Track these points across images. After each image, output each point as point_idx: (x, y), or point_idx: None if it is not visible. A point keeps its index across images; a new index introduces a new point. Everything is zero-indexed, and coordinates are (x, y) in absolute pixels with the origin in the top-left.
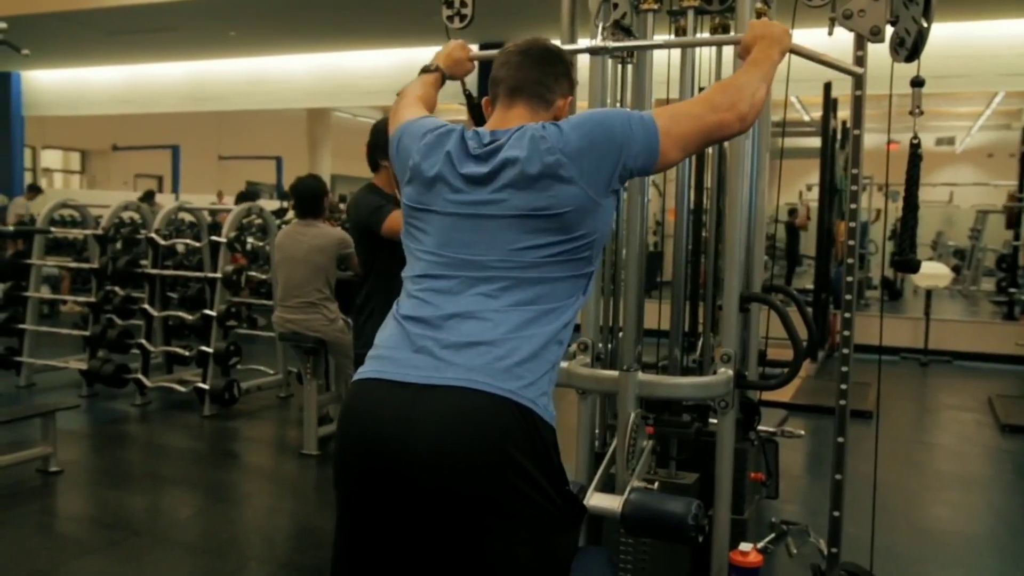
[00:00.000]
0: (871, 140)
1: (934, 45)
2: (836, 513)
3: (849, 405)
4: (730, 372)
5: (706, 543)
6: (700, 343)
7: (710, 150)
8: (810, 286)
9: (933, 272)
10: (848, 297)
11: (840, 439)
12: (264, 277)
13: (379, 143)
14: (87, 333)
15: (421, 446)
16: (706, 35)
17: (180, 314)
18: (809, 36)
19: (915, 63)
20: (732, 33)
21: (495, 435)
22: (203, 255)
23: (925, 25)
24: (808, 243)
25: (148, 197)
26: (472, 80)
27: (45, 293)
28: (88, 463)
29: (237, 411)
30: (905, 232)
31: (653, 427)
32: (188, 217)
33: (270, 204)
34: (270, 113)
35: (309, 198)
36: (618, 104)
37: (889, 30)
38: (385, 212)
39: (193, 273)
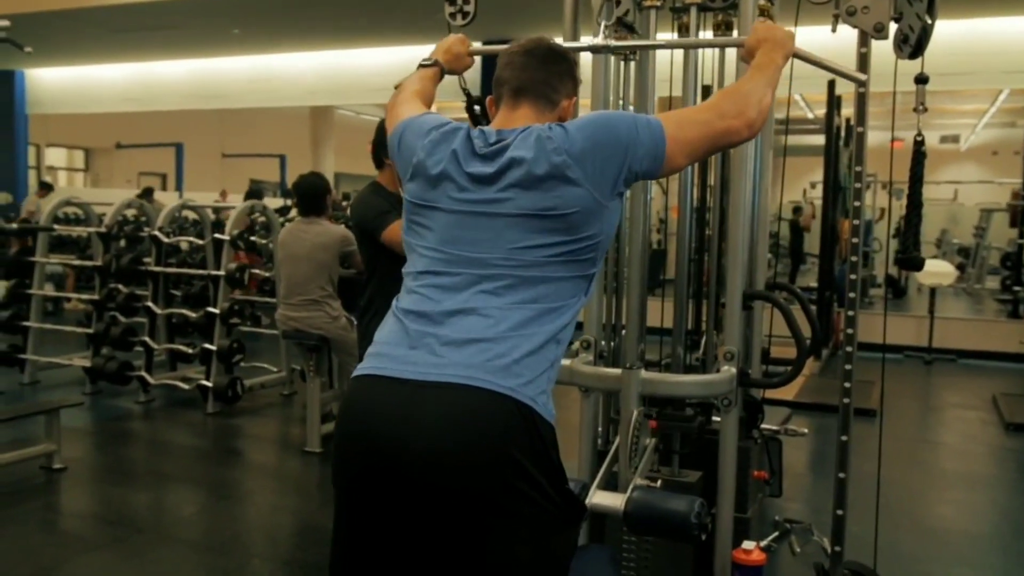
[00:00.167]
0: (875, 138)
1: (938, 42)
2: (840, 512)
3: (853, 403)
4: (733, 370)
5: (709, 541)
6: (703, 341)
7: None
8: (814, 284)
9: (937, 270)
10: (852, 295)
11: (844, 437)
12: (268, 275)
13: (384, 140)
14: (91, 330)
15: (420, 444)
16: (709, 33)
17: (183, 311)
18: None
19: (919, 60)
20: (735, 32)
21: (494, 433)
22: (206, 253)
23: (929, 22)
24: (812, 241)
25: (147, 194)
26: (474, 77)
27: (49, 291)
28: (92, 460)
29: (240, 409)
30: (909, 230)
31: (656, 421)
32: (191, 215)
33: (273, 202)
34: (274, 111)
35: (312, 196)
36: (620, 102)
37: (893, 27)
38: (388, 220)
39: (196, 271)
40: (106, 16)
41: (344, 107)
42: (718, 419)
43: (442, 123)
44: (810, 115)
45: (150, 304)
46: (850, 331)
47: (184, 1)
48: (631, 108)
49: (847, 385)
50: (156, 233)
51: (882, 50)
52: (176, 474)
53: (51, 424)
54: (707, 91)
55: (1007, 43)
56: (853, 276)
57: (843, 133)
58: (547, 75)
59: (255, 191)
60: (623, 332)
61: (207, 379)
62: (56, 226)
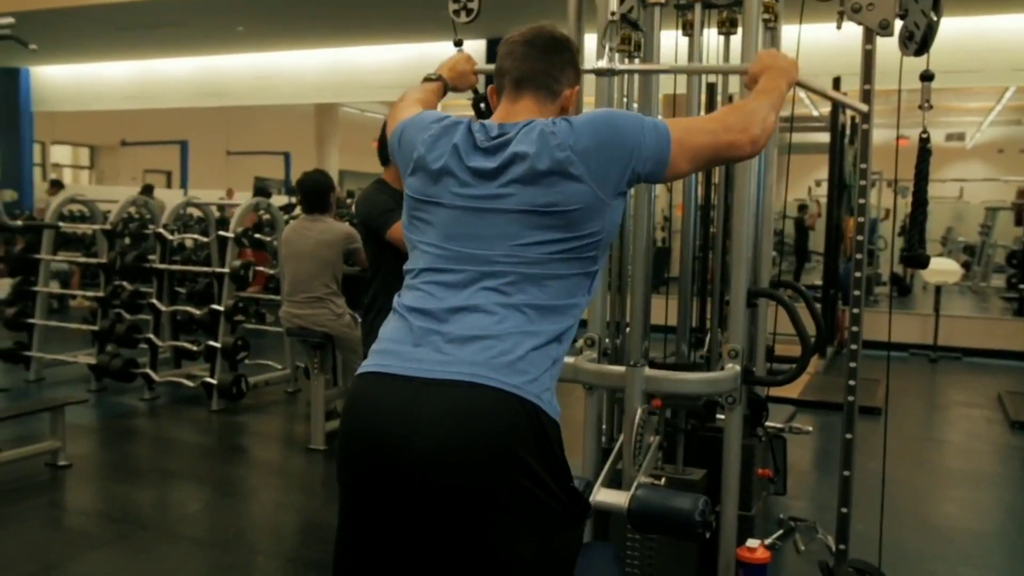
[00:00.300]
0: (880, 135)
1: (944, 39)
2: (844, 510)
3: (857, 401)
4: (738, 368)
5: (713, 539)
6: (707, 339)
7: None
8: (819, 282)
9: (943, 268)
10: (856, 293)
11: (848, 435)
12: (274, 272)
13: None
14: (96, 328)
15: (424, 441)
16: (714, 31)
17: (188, 309)
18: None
19: (924, 57)
20: (739, 29)
21: (499, 431)
22: (211, 250)
23: (935, 19)
24: (817, 239)
25: (147, 191)
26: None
27: (54, 288)
28: (96, 457)
29: (245, 406)
30: (914, 227)
31: (661, 401)
32: (196, 212)
33: (278, 200)
34: (278, 108)
35: (316, 193)
36: (625, 99)
37: (898, 24)
38: (393, 217)
39: (201, 268)
40: (110, 13)
41: (349, 104)
42: (722, 417)
43: (442, 118)
44: (815, 112)
45: (155, 301)
46: (855, 329)
47: None
48: (635, 105)
49: (852, 383)
50: (161, 231)
51: (887, 47)
52: (180, 471)
53: (56, 421)
54: (711, 89)
55: (1013, 40)
56: (858, 274)
57: (848, 131)
58: (548, 65)
59: (262, 189)
60: (627, 329)
61: (211, 376)
62: (61, 223)
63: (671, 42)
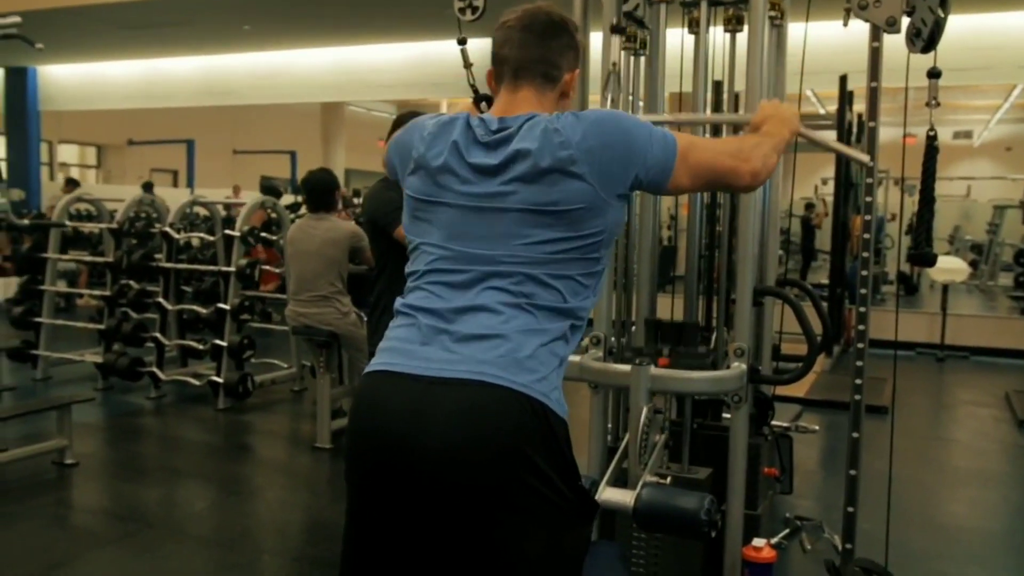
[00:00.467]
0: (887, 133)
1: (951, 37)
2: (851, 509)
3: (864, 400)
4: (744, 367)
5: (719, 538)
6: (714, 337)
7: None
8: (825, 281)
9: (950, 266)
10: (863, 291)
11: (855, 434)
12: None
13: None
14: (102, 327)
15: (432, 439)
16: (720, 28)
17: (194, 308)
18: (824, 28)
19: (931, 54)
20: (745, 26)
21: (507, 429)
22: (217, 249)
23: (942, 15)
24: (824, 238)
25: (147, 188)
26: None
27: (61, 287)
28: (103, 456)
29: (251, 405)
30: (921, 226)
31: (667, 359)
32: (202, 211)
33: (286, 199)
34: (284, 107)
35: (321, 192)
36: (631, 97)
37: (905, 21)
38: (401, 215)
39: (207, 267)
40: (117, 13)
41: (355, 103)
42: (728, 416)
43: (439, 116)
44: (822, 111)
45: (161, 300)
46: (861, 327)
47: None
48: (640, 104)
49: (858, 382)
50: (167, 229)
51: (894, 44)
52: (187, 470)
53: (63, 420)
54: (718, 87)
55: (1021, 37)
56: (865, 272)
57: (855, 129)
58: (547, 51)
59: (272, 188)
60: (633, 328)
61: (218, 375)
62: (68, 222)
63: (677, 40)
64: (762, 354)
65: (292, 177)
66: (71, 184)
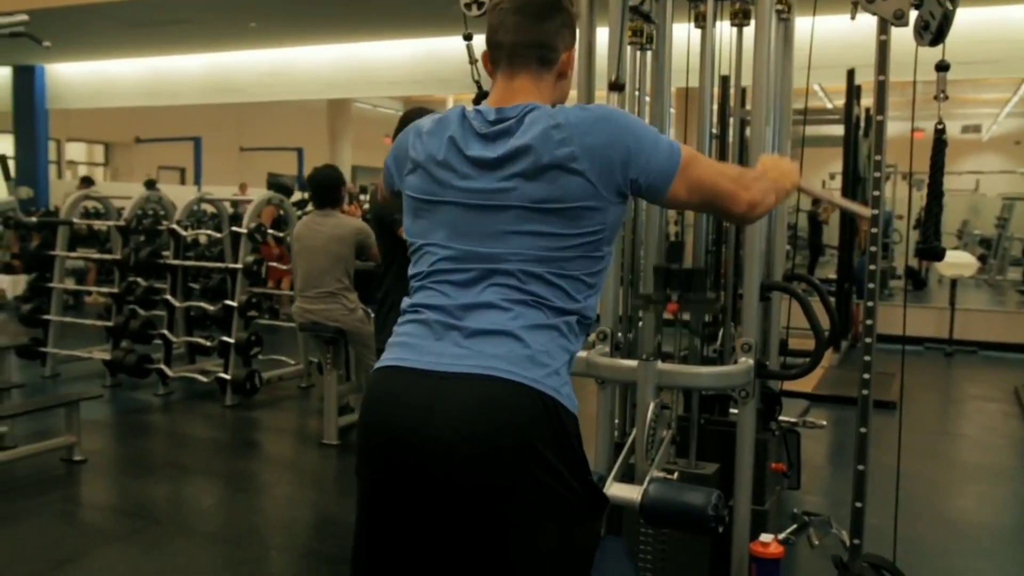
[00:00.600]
0: (895, 128)
1: (960, 30)
2: (858, 504)
3: (872, 395)
4: (751, 362)
5: (726, 534)
6: (720, 332)
7: (731, 138)
8: (833, 276)
9: (958, 261)
10: (871, 286)
11: (863, 429)
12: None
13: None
14: (110, 324)
15: (442, 433)
16: (726, 23)
17: (202, 305)
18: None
19: (940, 48)
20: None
21: (517, 424)
22: (224, 246)
23: (950, 8)
24: (831, 232)
25: (150, 186)
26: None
27: (69, 285)
28: (111, 452)
29: (258, 401)
30: (930, 220)
31: (677, 304)
32: (210, 208)
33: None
34: (291, 104)
35: (326, 188)
36: (637, 92)
37: (913, 14)
38: None
39: (214, 264)
40: (124, 10)
41: (361, 100)
42: (735, 411)
43: (435, 115)
44: (829, 105)
45: (169, 297)
46: (869, 322)
47: None
48: (647, 99)
49: (866, 377)
50: (174, 227)
51: (902, 37)
52: (194, 466)
53: (71, 416)
54: (725, 81)
55: None
56: (872, 267)
57: (862, 123)
58: (543, 34)
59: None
60: (639, 324)
61: (225, 372)
62: (75, 220)
63: (683, 34)
64: (769, 349)
65: (299, 174)
66: (86, 183)
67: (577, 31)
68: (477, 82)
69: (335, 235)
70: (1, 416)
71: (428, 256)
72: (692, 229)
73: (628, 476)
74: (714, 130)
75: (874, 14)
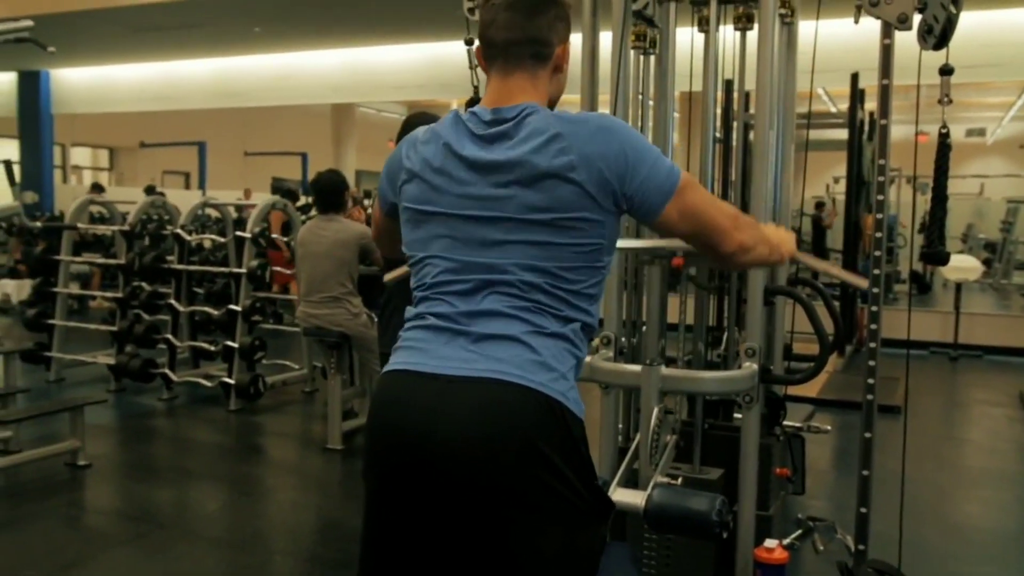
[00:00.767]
0: (899, 131)
1: (963, 33)
2: (863, 509)
3: (877, 400)
4: (755, 366)
5: (731, 539)
6: (724, 337)
7: (735, 141)
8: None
9: (963, 265)
10: (875, 290)
11: (867, 434)
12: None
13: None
14: (115, 328)
15: (450, 437)
16: (730, 27)
17: (206, 309)
18: (835, 26)
19: (944, 51)
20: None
21: (525, 427)
22: (228, 250)
23: (954, 12)
24: (836, 236)
25: (150, 192)
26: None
27: (74, 289)
28: (116, 457)
29: (262, 406)
30: (934, 224)
31: (681, 259)
32: (214, 213)
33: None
34: (295, 109)
35: (330, 193)
36: (640, 96)
37: (917, 17)
38: None
39: (218, 268)
40: (128, 16)
41: (365, 104)
42: (740, 416)
43: (426, 127)
44: (833, 109)
45: (173, 302)
46: (874, 327)
47: (205, 0)
48: (651, 103)
49: (871, 381)
50: (179, 231)
51: (906, 41)
52: (199, 471)
53: (76, 421)
54: (728, 85)
55: None
56: (877, 271)
57: (866, 127)
58: (536, 30)
59: (290, 191)
60: (643, 328)
61: (229, 376)
62: (79, 225)
63: (687, 38)
64: (774, 354)
65: (303, 178)
66: (97, 190)
67: (572, 25)
68: (476, 87)
69: (338, 240)
70: (6, 421)
71: (429, 268)
72: None
73: (632, 481)
74: (717, 134)
75: (878, 18)
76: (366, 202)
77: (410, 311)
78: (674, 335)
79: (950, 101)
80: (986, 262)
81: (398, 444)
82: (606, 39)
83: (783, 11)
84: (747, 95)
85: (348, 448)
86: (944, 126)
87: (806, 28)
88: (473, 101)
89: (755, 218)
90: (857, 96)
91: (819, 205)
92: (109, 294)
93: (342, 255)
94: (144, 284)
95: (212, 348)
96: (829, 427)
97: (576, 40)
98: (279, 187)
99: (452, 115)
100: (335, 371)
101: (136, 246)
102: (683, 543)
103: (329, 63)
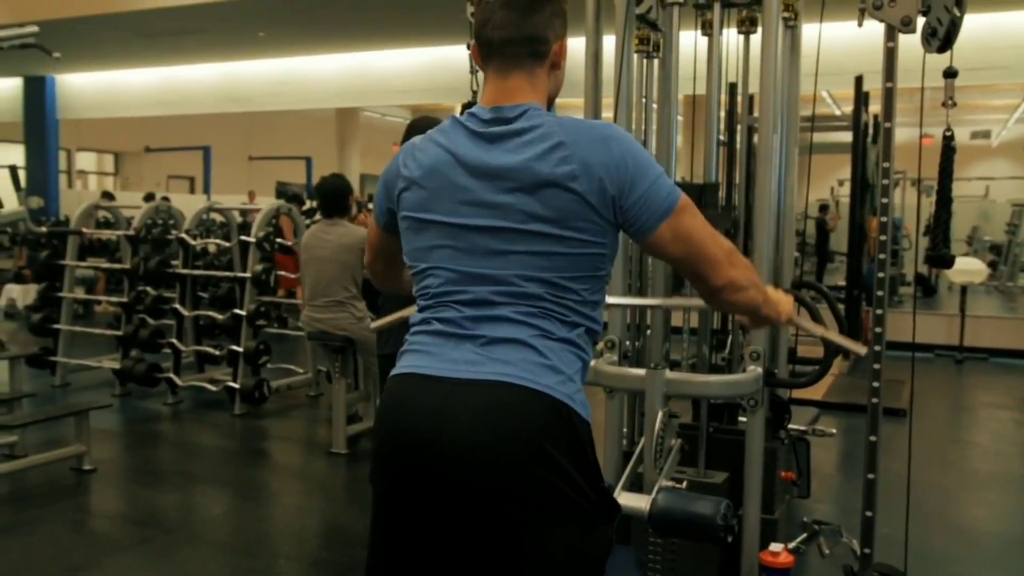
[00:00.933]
0: (903, 134)
1: (967, 36)
2: (869, 513)
3: (882, 403)
4: (759, 370)
5: (736, 544)
6: (729, 340)
7: (739, 144)
8: (842, 282)
9: (968, 268)
10: (880, 293)
11: (873, 438)
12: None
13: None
14: (120, 333)
15: (456, 439)
16: (733, 31)
17: (211, 314)
18: (838, 29)
19: (948, 54)
20: (759, 28)
21: (531, 429)
22: (233, 255)
23: (958, 15)
24: (840, 239)
25: (149, 199)
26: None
27: (79, 294)
28: (121, 461)
29: (267, 410)
30: (938, 227)
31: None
32: (219, 217)
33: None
34: (299, 113)
35: (334, 197)
36: (644, 100)
37: (921, 20)
38: None
39: (223, 273)
40: (133, 21)
41: (369, 109)
42: (744, 419)
43: (423, 135)
44: (837, 111)
45: (178, 306)
46: (879, 330)
47: (210, 5)
48: (654, 106)
49: (876, 385)
50: (183, 236)
51: (910, 44)
52: (203, 475)
53: (81, 426)
54: (732, 89)
55: None
56: (882, 274)
57: (871, 130)
58: (533, 28)
59: (296, 195)
60: (647, 332)
61: (234, 381)
62: (84, 230)
63: (690, 42)
64: (778, 357)
65: (308, 182)
66: (108, 198)
67: (575, 28)
68: (475, 92)
69: (342, 244)
70: (11, 426)
71: (431, 279)
72: None
73: (636, 485)
74: (722, 137)
75: (881, 21)
76: (371, 206)
77: (415, 316)
78: (678, 338)
79: (954, 104)
80: (991, 264)
81: (405, 447)
82: (610, 43)
83: (786, 14)
84: (751, 98)
85: (353, 452)
86: (948, 129)
87: (810, 31)
88: (471, 104)
89: (758, 218)
90: (861, 99)
91: (823, 208)
92: (114, 299)
93: (346, 259)
94: (149, 288)
95: (217, 352)
96: (834, 430)
97: (579, 44)
98: (284, 191)
99: (450, 121)
100: (339, 375)
101: (141, 251)
102: (688, 547)
103: (333, 67)
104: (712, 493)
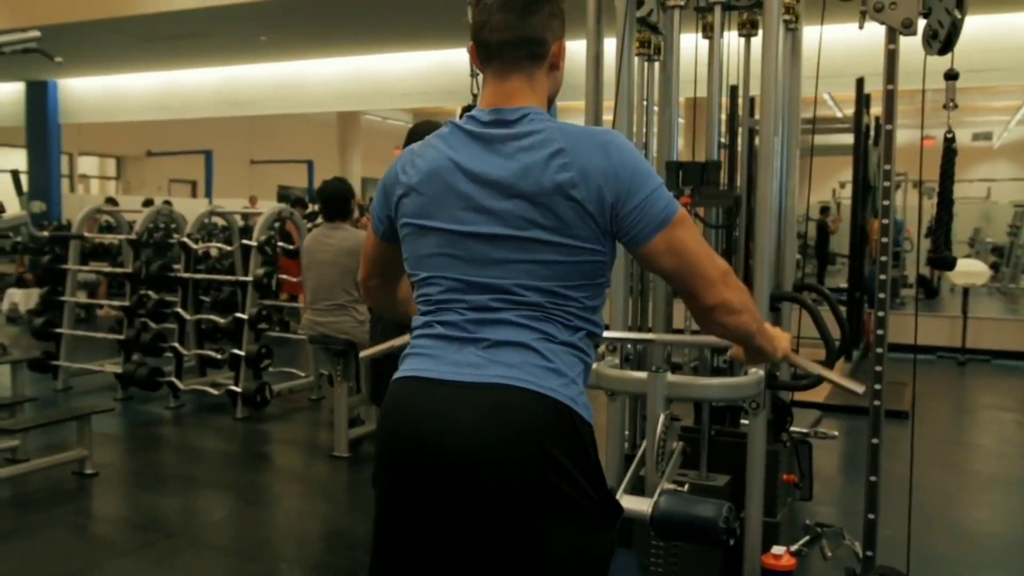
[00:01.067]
0: (904, 136)
1: (968, 38)
2: (871, 515)
3: (884, 405)
4: (761, 373)
5: (738, 546)
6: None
7: (740, 147)
8: (844, 285)
9: (970, 269)
10: (882, 295)
11: (875, 440)
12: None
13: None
14: (122, 337)
15: (460, 442)
16: (734, 33)
17: (212, 317)
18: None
19: (949, 56)
20: (759, 31)
21: (534, 431)
22: (235, 259)
23: (959, 17)
24: (841, 241)
25: (148, 204)
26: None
27: (81, 298)
28: (122, 465)
29: (269, 414)
30: (940, 229)
31: (689, 198)
32: (220, 221)
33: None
34: (301, 117)
35: (336, 201)
36: (645, 103)
37: (921, 23)
38: None
39: (225, 277)
40: (135, 25)
41: (371, 112)
42: (746, 422)
43: (421, 141)
44: (839, 114)
45: (179, 310)
46: (880, 332)
47: (212, 9)
48: (655, 109)
49: (878, 387)
50: (185, 240)
51: (911, 47)
52: (205, 479)
53: (83, 430)
54: (733, 91)
55: None
56: (883, 276)
57: (872, 132)
58: (531, 30)
59: (298, 199)
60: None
61: (236, 384)
62: (86, 234)
63: (691, 45)
64: None
65: (309, 186)
66: (111, 204)
67: (576, 31)
68: (475, 95)
69: (344, 247)
70: (13, 430)
71: (432, 287)
72: None
73: (638, 488)
74: (723, 140)
75: (882, 23)
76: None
77: (417, 320)
78: None
79: (955, 106)
80: (993, 266)
81: (408, 450)
82: (610, 45)
83: (787, 17)
84: (752, 101)
85: (354, 456)
86: (949, 130)
87: (810, 33)
88: (471, 107)
89: (760, 221)
90: (862, 101)
91: (824, 210)
92: (116, 303)
93: (348, 263)
94: (151, 293)
95: (219, 356)
96: (836, 433)
97: (580, 47)
98: (286, 195)
99: (449, 126)
100: (341, 379)
101: (143, 255)
102: (690, 550)
103: (334, 71)
104: (714, 496)
